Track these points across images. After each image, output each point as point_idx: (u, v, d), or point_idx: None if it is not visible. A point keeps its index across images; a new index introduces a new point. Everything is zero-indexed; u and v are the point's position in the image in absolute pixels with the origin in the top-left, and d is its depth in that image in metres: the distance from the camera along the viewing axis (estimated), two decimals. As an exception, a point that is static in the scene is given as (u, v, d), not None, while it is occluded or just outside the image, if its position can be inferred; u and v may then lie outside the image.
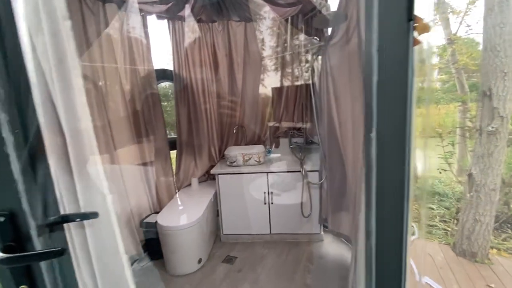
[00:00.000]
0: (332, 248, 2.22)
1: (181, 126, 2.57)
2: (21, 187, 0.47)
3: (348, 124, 1.95)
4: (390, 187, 0.63)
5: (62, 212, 0.66)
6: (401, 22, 0.57)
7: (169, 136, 2.57)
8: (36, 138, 0.53)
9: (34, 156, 0.52)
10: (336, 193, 2.14)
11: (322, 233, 2.34)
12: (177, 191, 2.60)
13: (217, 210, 2.45)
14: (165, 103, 3.11)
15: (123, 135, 2.12)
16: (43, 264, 0.55)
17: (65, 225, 0.71)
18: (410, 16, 0.55)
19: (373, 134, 0.60)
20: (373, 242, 0.69)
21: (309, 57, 2.32)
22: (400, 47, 0.57)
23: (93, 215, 0.59)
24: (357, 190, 1.14)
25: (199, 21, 2.45)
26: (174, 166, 2.66)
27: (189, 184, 2.63)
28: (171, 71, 2.52)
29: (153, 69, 2.36)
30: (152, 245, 2.14)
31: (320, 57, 2.22)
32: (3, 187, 0.46)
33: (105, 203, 0.82)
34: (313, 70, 2.24)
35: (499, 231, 2.59)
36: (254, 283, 1.86)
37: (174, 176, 2.62)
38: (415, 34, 0.57)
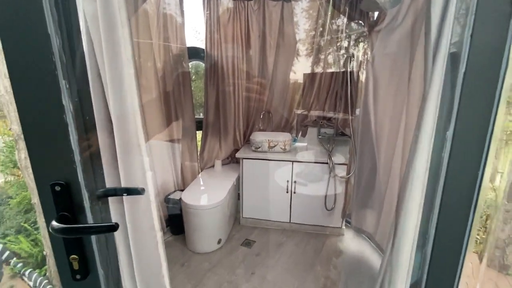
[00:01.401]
0: (353, 244, 2.18)
1: (208, 107, 2.55)
2: (77, 157, 0.46)
3: (386, 119, 1.83)
4: (459, 195, 0.56)
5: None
6: (503, 3, 0.48)
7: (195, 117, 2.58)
8: (88, 111, 0.52)
9: (87, 128, 0.51)
10: (364, 189, 2.06)
11: (344, 227, 2.29)
12: (200, 171, 2.63)
13: (238, 194, 2.47)
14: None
15: (153, 112, 2.14)
16: (93, 236, 0.56)
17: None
18: (518, -4, 0.46)
19: (449, 133, 0.53)
20: (428, 252, 0.63)
21: (349, 43, 2.17)
22: (498, 34, 0.49)
23: (139, 191, 0.58)
24: (400, 193, 1.07)
25: (234, -2, 2.35)
26: (198, 147, 2.69)
27: (212, 166, 2.65)
28: (202, 49, 2.48)
29: (186, 47, 2.33)
30: (175, 220, 2.20)
31: (361, 43, 2.08)
32: (61, 157, 0.46)
33: (145, 179, 0.82)
34: (352, 58, 2.11)
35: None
36: (272, 269, 1.87)
37: (198, 156, 2.64)
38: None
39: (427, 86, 0.91)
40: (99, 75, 0.74)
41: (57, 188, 0.46)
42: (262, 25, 2.45)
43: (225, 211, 2.10)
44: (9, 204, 2.17)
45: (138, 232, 0.88)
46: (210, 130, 2.60)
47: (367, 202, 2.06)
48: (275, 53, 2.49)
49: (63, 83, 0.43)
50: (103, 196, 0.57)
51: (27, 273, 1.82)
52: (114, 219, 0.81)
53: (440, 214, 0.61)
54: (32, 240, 1.95)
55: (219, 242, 2.09)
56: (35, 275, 1.78)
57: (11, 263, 1.85)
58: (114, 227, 0.45)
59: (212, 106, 2.55)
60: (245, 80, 2.56)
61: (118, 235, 0.84)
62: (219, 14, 2.35)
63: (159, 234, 0.90)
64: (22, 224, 2.00)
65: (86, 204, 0.48)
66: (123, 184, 0.78)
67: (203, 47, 2.46)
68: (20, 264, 1.85)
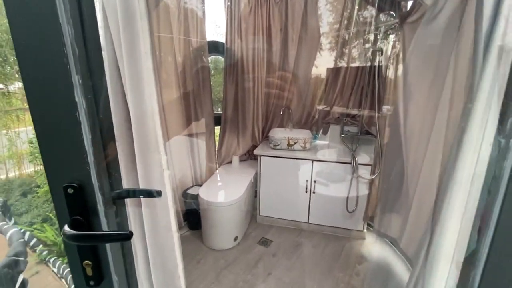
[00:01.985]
0: (375, 248, 2.07)
1: (227, 102, 2.51)
2: (90, 158, 0.43)
3: (418, 118, 1.70)
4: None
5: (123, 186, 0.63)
6: None
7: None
8: (104, 107, 0.48)
9: (102, 126, 0.47)
10: (389, 192, 1.94)
11: (365, 231, 2.18)
12: (217, 167, 2.61)
13: (255, 191, 2.42)
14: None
15: (172, 107, 2.14)
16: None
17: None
18: None
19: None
20: (477, 276, 0.55)
21: (377, 35, 2.03)
22: None
23: (157, 193, 0.54)
24: (436, 203, 0.96)
25: (256, -10, 2.27)
26: (216, 142, 2.66)
27: (230, 162, 2.62)
28: (222, 43, 2.43)
29: (206, 41, 2.29)
30: (192, 216, 2.21)
31: (392, 36, 1.93)
32: (74, 157, 0.43)
33: (162, 179, 0.79)
34: (380, 51, 1.97)
35: None
36: (289, 271, 1.82)
37: (216, 152, 2.62)
38: None
39: (475, 84, 0.80)
40: (117, 70, 0.71)
41: (70, 191, 0.43)
42: (284, 18, 2.35)
43: (242, 208, 2.07)
44: (37, 193, 2.27)
45: (155, 233, 0.85)
46: (229, 126, 2.56)
47: (392, 206, 1.94)
48: (297, 47, 2.39)
49: (75, 78, 0.39)
50: (118, 198, 0.53)
51: (51, 260, 1.90)
52: (131, 220, 0.79)
53: (496, 234, 0.52)
54: (57, 229, 2.03)
55: (235, 239, 2.07)
56: (58, 262, 1.85)
57: (37, 250, 1.93)
58: (128, 236, 0.41)
59: (231, 101, 2.51)
60: (265, 75, 2.49)
61: (135, 236, 0.82)
62: (240, 7, 2.28)
63: (176, 235, 0.87)
64: (47, 213, 2.08)
65: (100, 207, 0.45)
66: (141, 184, 0.75)
67: (223, 41, 2.42)
68: (45, 252, 1.93)
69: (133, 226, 0.81)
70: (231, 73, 2.44)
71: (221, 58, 2.58)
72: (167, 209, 0.81)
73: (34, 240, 1.96)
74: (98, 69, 0.47)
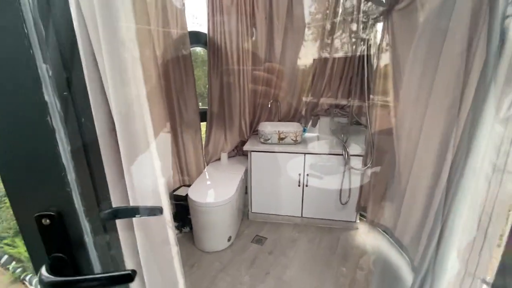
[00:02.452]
0: (368, 238, 2.09)
1: (212, 96, 2.39)
2: (71, 176, 0.33)
3: (409, 107, 1.69)
4: None
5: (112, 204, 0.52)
6: None
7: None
8: (84, 108, 0.37)
9: (84, 133, 0.36)
10: (381, 181, 1.94)
11: (358, 221, 2.19)
12: (206, 165, 2.50)
13: (246, 187, 2.35)
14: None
15: (153, 103, 1.98)
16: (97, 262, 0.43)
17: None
18: None
19: None
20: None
21: (365, 24, 1.99)
22: None
23: (159, 211, 0.44)
24: (442, 199, 0.94)
25: (239, -23, 2.14)
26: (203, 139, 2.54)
27: (218, 159, 2.52)
28: (205, 34, 2.28)
29: (187, 31, 2.14)
30: (181, 218, 2.09)
31: (380, 24, 1.90)
32: (49, 177, 0.32)
33: (157, 188, 0.69)
34: (368, 40, 1.94)
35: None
36: (287, 268, 1.78)
37: (203, 149, 2.50)
38: None
39: (488, 72, 0.77)
40: (94, 60, 0.59)
41: (46, 222, 0.32)
42: (268, 6, 2.25)
43: (234, 207, 1.98)
44: (5, 203, 2.04)
45: (151, 248, 0.75)
46: (215, 121, 2.44)
47: (385, 196, 1.95)
48: (283, 37, 2.30)
49: (43, 69, 0.28)
50: (109, 219, 0.43)
51: (28, 278, 1.71)
52: (121, 237, 0.68)
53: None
54: (31, 244, 1.83)
55: (229, 239, 1.99)
56: (35, 280, 1.67)
57: (10, 268, 1.73)
58: (131, 277, 0.32)
59: (216, 95, 2.39)
60: (251, 67, 2.38)
61: (126, 249, 0.71)
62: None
63: (174, 250, 0.77)
64: (18, 228, 1.87)
65: (88, 238, 0.35)
66: (131, 196, 0.64)
67: (204, 31, 2.27)
68: (19, 269, 1.73)
69: (123, 244, 0.70)
70: (215, 66, 2.31)
71: (198, 50, 2.43)
72: (164, 223, 0.71)
73: (5, 257, 1.75)
74: (73, 56, 0.36)
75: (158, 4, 1.93)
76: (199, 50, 2.65)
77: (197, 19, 2.48)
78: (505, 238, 0.79)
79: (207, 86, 2.63)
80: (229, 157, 2.56)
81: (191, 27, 2.16)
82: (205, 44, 2.29)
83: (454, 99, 1.25)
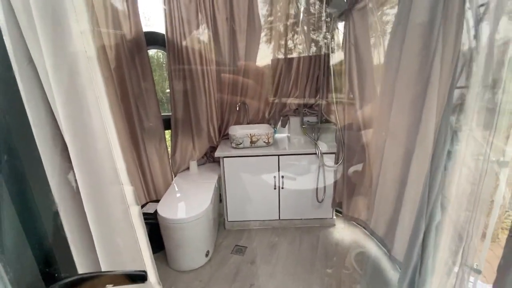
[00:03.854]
0: (346, 233, 2.13)
1: (175, 102, 2.22)
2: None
3: (373, 101, 1.75)
4: None
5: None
6: None
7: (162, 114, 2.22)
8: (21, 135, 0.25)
9: (19, 168, 0.24)
10: (354, 177, 1.99)
11: (334, 217, 2.22)
12: (174, 176, 2.31)
13: (220, 196, 2.23)
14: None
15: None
16: None
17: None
18: None
19: None
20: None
21: (327, 23, 2.03)
22: None
23: (140, 278, 0.32)
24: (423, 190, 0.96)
25: (196, -26, 2.02)
26: (169, 148, 2.35)
27: (187, 168, 2.35)
28: (162, 35, 2.11)
29: (142, 32, 1.95)
30: (152, 237, 1.88)
31: (342, 23, 1.95)
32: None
33: (127, 217, 0.55)
34: (332, 40, 1.97)
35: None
36: (271, 276, 1.71)
37: (170, 159, 2.31)
38: None
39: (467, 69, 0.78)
40: (31, 61, 0.44)
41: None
42: (229, 6, 2.16)
43: (210, 218, 1.85)
44: None
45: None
46: (181, 128, 2.27)
47: (358, 190, 2.00)
48: (246, 38, 2.24)
49: None
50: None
51: None
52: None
53: None
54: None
55: (207, 254, 1.85)
56: None
57: None
58: (145, 277, 0.21)
59: (180, 100, 2.22)
60: (215, 69, 2.27)
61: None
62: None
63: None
64: None
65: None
66: (99, 249, 0.50)
67: (161, 31, 2.10)
68: None
69: None
70: (176, 69, 2.14)
71: (154, 52, 2.25)
72: (141, 261, 0.58)
73: None
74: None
75: (106, 4, 1.72)
76: (154, 52, 2.45)
77: (149, 20, 2.29)
78: (490, 229, 0.83)
79: (166, 91, 2.44)
80: (199, 165, 2.40)
81: (144, 28, 1.97)
82: (163, 46, 2.11)
83: (417, 93, 1.32)
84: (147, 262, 0.59)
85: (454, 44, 1.01)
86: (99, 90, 0.47)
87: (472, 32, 0.82)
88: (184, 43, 2.09)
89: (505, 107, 0.73)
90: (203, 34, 2.15)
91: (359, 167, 1.96)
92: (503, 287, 0.63)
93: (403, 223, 1.46)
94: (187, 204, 1.82)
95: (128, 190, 0.53)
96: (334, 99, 2.01)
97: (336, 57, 2.01)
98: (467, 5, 0.87)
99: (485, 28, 0.76)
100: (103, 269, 0.52)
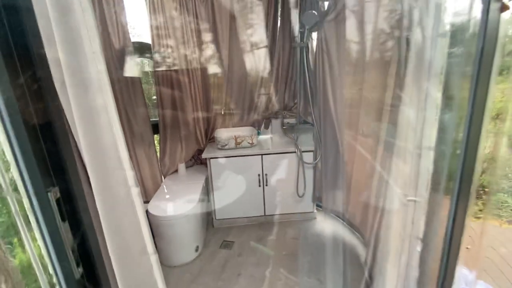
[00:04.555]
0: (326, 225, 2.30)
1: (163, 107, 2.33)
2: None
3: (345, 103, 1.95)
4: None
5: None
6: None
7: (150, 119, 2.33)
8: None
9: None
10: (331, 172, 2.17)
11: (315, 211, 2.39)
12: (163, 178, 2.41)
13: (208, 196, 2.35)
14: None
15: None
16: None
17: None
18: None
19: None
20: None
21: (302, 33, 2.22)
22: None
23: None
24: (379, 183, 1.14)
25: (180, -13, 2.17)
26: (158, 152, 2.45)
27: (176, 170, 2.46)
28: (148, 45, 2.23)
29: (130, 42, 2.07)
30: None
31: (315, 33, 2.15)
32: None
33: (129, 196, 0.69)
34: (307, 48, 2.17)
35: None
36: (257, 266, 1.84)
37: (159, 162, 2.42)
38: (507, -2, 0.53)
39: (424, 72, 0.96)
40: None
41: None
42: (212, 17, 2.32)
43: (198, 216, 1.97)
44: None
45: (127, 257, 0.74)
46: (169, 133, 2.39)
47: (335, 184, 2.18)
48: (229, 46, 2.40)
49: None
50: None
51: None
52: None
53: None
54: None
55: (196, 250, 1.96)
56: None
57: None
58: None
59: (168, 106, 2.34)
60: (200, 76, 2.41)
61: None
62: (163, 5, 2.13)
63: (153, 258, 0.78)
64: None
65: None
66: (104, 223, 0.63)
67: (145, 42, 2.23)
68: None
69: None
70: (164, 76, 2.27)
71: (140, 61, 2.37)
72: (140, 232, 0.72)
73: None
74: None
75: (96, 11, 1.83)
76: (140, 60, 2.57)
77: (134, 29, 2.42)
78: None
79: (153, 97, 2.55)
80: (187, 167, 2.52)
81: (131, 38, 2.10)
82: (149, 55, 2.24)
83: (381, 93, 1.51)
84: (145, 234, 0.72)
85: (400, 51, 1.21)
86: (107, 96, 0.61)
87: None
88: (169, 51, 2.22)
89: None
90: (188, 42, 2.29)
91: (335, 163, 2.14)
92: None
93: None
94: (176, 202, 1.93)
95: (130, 175, 0.67)
96: (311, 102, 2.20)
97: (311, 63, 2.21)
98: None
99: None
100: (106, 239, 0.66)
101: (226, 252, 2.01)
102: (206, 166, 2.23)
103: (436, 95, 0.72)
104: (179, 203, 1.92)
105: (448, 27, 0.68)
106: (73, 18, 0.55)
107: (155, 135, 2.42)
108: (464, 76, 0.63)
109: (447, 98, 0.71)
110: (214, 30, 2.34)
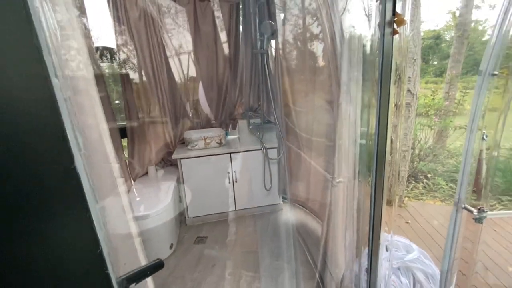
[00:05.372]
0: (291, 214, 2.52)
1: (130, 111, 2.36)
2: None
3: (302, 102, 2.19)
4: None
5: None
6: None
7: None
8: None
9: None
10: (293, 165, 2.41)
11: (281, 203, 2.61)
12: (133, 182, 2.43)
13: (180, 195, 2.43)
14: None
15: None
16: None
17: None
18: (393, 12, 0.74)
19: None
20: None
21: (262, 40, 2.43)
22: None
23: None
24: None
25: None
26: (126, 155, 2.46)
27: (146, 173, 2.49)
28: (111, 49, 2.26)
29: (93, 46, 2.08)
30: (115, 240, 2.00)
31: (273, 40, 2.37)
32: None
33: (115, 187, 0.81)
34: (267, 54, 2.38)
35: (407, 182, 3.41)
36: (230, 256, 1.99)
37: (128, 166, 2.43)
38: (395, 26, 0.77)
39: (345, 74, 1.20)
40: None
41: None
42: (174, 21, 2.42)
43: (171, 214, 2.05)
44: None
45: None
46: (137, 136, 2.42)
47: (297, 176, 2.42)
48: (195, 51, 2.52)
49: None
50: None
51: None
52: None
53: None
54: None
55: (171, 247, 2.04)
56: None
57: None
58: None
59: (134, 109, 2.38)
60: (167, 79, 2.49)
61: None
62: (127, 11, 2.18)
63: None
64: None
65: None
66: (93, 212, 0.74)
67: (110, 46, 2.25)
68: None
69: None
70: (129, 80, 2.31)
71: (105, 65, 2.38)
72: (125, 215, 0.83)
73: None
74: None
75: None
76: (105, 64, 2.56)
77: (95, 32, 2.41)
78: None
79: (115, 101, 2.56)
80: (157, 169, 2.56)
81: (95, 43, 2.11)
82: (114, 59, 2.26)
83: (330, 94, 1.77)
84: (129, 220, 0.83)
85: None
86: (94, 98, 0.72)
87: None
88: (135, 56, 2.27)
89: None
90: (153, 48, 2.36)
91: (296, 157, 2.38)
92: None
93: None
94: (148, 203, 1.99)
95: (115, 167, 0.78)
96: (272, 103, 2.41)
97: (272, 68, 2.43)
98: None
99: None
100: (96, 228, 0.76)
101: (200, 247, 2.12)
102: (177, 167, 2.31)
103: (357, 96, 0.96)
104: (151, 203, 1.98)
105: (361, 43, 0.91)
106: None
107: (123, 139, 2.43)
108: (373, 80, 0.87)
109: (364, 99, 0.95)
110: (177, 35, 2.44)
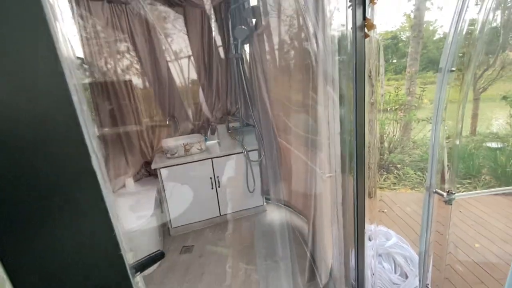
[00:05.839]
0: (275, 214, 2.57)
1: (102, 122, 2.26)
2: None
3: (279, 104, 2.25)
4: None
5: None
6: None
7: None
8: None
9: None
10: (274, 166, 2.45)
11: (265, 204, 2.64)
12: (109, 195, 2.31)
13: (161, 206, 2.36)
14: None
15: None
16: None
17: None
18: (363, 17, 0.81)
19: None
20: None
21: (236, 45, 2.46)
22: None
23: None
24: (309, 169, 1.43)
25: (109, 1, 2.16)
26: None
27: (123, 186, 2.38)
28: (81, 58, 2.14)
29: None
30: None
31: (247, 45, 2.41)
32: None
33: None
34: (242, 58, 2.41)
35: (379, 174, 3.62)
36: (219, 262, 1.97)
37: (103, 179, 2.30)
38: (365, 30, 0.84)
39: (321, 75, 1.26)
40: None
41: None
42: (146, 28, 2.36)
43: (155, 227, 1.98)
44: None
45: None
46: (111, 147, 2.31)
47: (279, 177, 2.47)
48: (166, 57, 2.47)
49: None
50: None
51: None
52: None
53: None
54: None
55: (156, 260, 1.97)
56: None
57: None
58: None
59: (107, 120, 2.27)
60: (140, 87, 2.41)
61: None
62: (93, 19, 2.09)
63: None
64: None
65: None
66: None
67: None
68: None
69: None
70: (100, 90, 2.20)
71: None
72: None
73: None
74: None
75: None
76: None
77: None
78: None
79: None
80: (135, 181, 2.46)
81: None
82: (82, 69, 2.15)
83: (305, 95, 1.84)
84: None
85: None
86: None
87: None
88: (103, 63, 2.17)
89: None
90: (123, 56, 2.28)
91: (277, 158, 2.43)
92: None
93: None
94: (129, 217, 1.91)
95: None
96: (250, 106, 2.45)
97: (247, 71, 2.46)
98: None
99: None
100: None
101: (187, 256, 2.07)
102: (156, 177, 2.24)
103: (335, 95, 1.02)
104: (132, 217, 1.90)
105: (336, 46, 0.98)
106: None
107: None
108: (348, 79, 0.94)
109: (341, 97, 1.02)
110: (150, 41, 2.38)
